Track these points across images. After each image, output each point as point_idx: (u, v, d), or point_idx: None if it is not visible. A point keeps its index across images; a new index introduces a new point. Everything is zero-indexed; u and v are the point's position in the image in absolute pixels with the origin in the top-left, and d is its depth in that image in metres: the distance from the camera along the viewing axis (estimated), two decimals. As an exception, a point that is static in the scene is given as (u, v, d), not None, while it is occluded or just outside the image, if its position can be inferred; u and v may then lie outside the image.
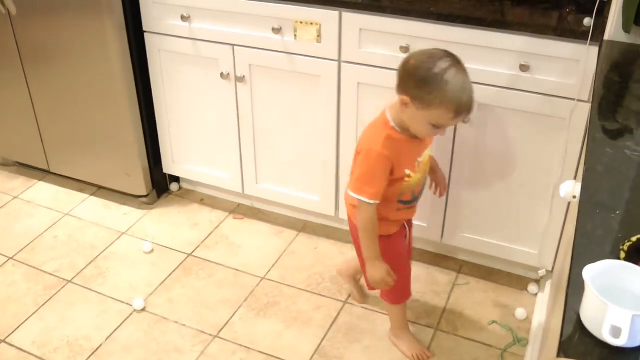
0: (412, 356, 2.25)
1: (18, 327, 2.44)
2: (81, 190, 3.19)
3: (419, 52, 1.86)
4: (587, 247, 1.13)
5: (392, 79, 2.27)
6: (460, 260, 2.68)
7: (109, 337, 2.39)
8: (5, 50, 2.93)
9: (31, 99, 3.02)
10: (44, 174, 3.31)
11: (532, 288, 2.52)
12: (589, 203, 1.24)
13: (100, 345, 2.36)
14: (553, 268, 2.44)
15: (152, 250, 2.67)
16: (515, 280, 2.58)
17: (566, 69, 2.05)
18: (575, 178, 2.16)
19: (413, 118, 1.86)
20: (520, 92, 2.15)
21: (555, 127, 2.16)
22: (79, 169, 3.13)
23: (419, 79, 1.80)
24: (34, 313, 2.50)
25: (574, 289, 1.05)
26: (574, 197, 1.72)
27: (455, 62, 1.81)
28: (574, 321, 1.01)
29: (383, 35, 2.26)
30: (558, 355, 0.96)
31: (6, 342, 2.38)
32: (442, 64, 1.78)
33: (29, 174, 3.33)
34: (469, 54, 2.15)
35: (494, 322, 2.38)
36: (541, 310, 2.39)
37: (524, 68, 2.09)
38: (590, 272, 1.00)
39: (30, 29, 2.81)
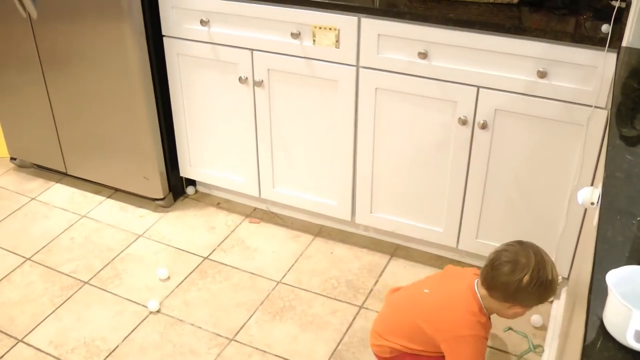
0: None
1: (35, 327, 2.46)
2: (98, 193, 3.21)
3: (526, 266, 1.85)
4: (608, 253, 1.13)
5: (411, 84, 2.30)
6: (475, 267, 2.67)
7: (125, 338, 2.40)
8: (25, 54, 2.96)
9: (50, 101, 3.05)
10: (61, 176, 3.33)
11: (547, 295, 2.51)
12: (609, 209, 1.25)
13: (117, 346, 2.37)
14: (569, 275, 2.44)
15: (168, 278, 2.64)
16: (530, 287, 2.57)
17: (584, 76, 2.05)
18: (592, 184, 2.16)
19: (506, 308, 1.92)
20: (537, 99, 2.15)
21: (572, 134, 2.16)
22: (96, 172, 3.15)
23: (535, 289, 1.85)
24: (51, 313, 2.52)
25: (596, 294, 1.05)
26: (592, 203, 1.72)
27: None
28: (596, 326, 1.02)
29: (401, 41, 2.27)
30: (581, 360, 0.97)
31: (24, 342, 2.40)
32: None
33: (46, 176, 3.36)
34: (486, 59, 2.16)
35: (509, 328, 2.38)
36: (557, 318, 2.39)
37: (541, 74, 2.09)
38: (613, 278, 1.00)
39: (50, 33, 2.84)
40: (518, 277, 1.83)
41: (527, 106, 2.17)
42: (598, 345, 0.98)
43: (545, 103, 2.14)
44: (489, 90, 2.20)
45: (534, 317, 2.41)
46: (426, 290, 2.03)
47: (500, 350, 2.31)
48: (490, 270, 1.88)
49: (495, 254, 1.89)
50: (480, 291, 1.93)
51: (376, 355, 2.12)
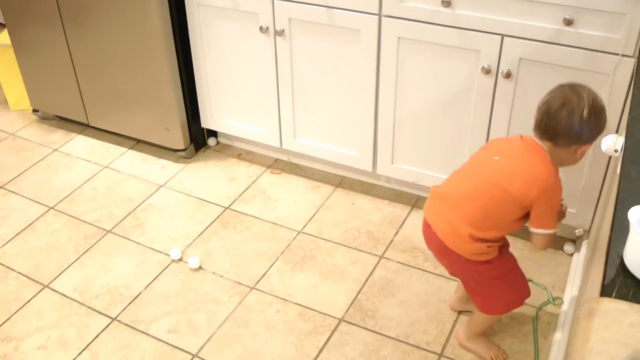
0: (491, 357, 2.15)
1: (60, 274, 2.50)
2: (119, 144, 3.23)
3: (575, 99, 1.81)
4: (631, 193, 1.12)
5: (434, 33, 2.28)
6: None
7: (147, 285, 2.43)
8: (45, 8, 2.96)
9: (70, 54, 3.05)
10: (83, 127, 3.35)
11: (568, 248, 2.51)
12: (633, 149, 1.24)
13: (140, 293, 2.40)
14: (590, 228, 2.42)
15: (200, 267, 2.52)
16: (551, 239, 2.57)
17: (611, 23, 2.01)
18: (617, 132, 2.13)
19: (573, 153, 1.86)
20: (562, 47, 2.11)
21: (598, 83, 2.12)
22: (118, 123, 3.16)
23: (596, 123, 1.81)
24: (75, 261, 2.55)
25: (617, 232, 1.04)
26: (616, 150, 1.70)
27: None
28: (617, 264, 1.01)
29: (424, -11, 2.24)
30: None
31: (49, 288, 2.44)
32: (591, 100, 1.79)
33: (69, 128, 3.38)
34: (511, 7, 2.13)
35: (529, 280, 2.38)
36: (576, 271, 2.38)
37: (567, 22, 2.05)
38: (636, 214, 1.00)
39: (71, -17, 2.83)
40: (578, 116, 1.78)
41: (552, 55, 2.14)
42: (618, 282, 0.98)
43: (570, 52, 2.11)
44: (513, 39, 2.17)
45: (567, 246, 2.46)
46: (496, 158, 1.91)
47: (520, 301, 2.31)
48: (548, 121, 1.81)
49: (546, 105, 1.82)
50: (551, 151, 1.86)
51: (441, 254, 2.00)
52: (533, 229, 1.88)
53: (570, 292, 2.31)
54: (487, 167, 1.90)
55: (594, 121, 1.79)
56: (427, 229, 1.99)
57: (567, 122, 1.79)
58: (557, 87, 1.84)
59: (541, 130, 1.84)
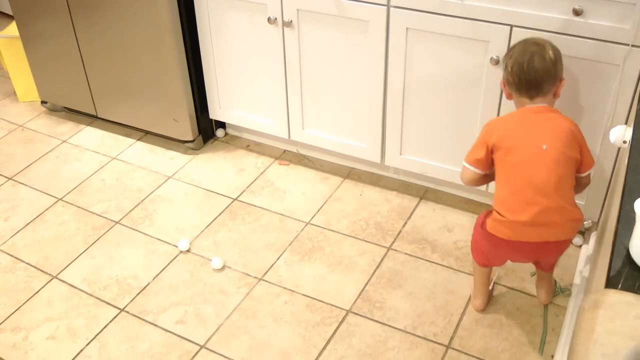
0: None
1: (69, 265, 2.51)
2: (128, 135, 3.23)
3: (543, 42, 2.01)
4: (638, 184, 1.11)
5: (442, 24, 2.26)
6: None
7: (155, 276, 2.44)
8: (53, 0, 2.96)
9: (78, 46, 3.06)
10: (92, 119, 3.35)
11: (576, 240, 2.49)
12: (642, 142, 1.23)
13: (148, 284, 2.41)
14: (599, 220, 2.41)
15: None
16: (560, 230, 2.55)
17: (621, 13, 1.99)
18: (626, 123, 2.12)
19: (554, 97, 2.05)
20: (572, 37, 2.10)
21: (607, 74, 2.11)
22: (126, 115, 3.17)
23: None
24: (83, 252, 2.56)
25: (624, 224, 1.04)
26: (624, 142, 1.69)
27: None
28: (623, 256, 1.01)
29: (433, -21, 2.23)
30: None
31: (58, 278, 2.45)
32: None
33: (77, 119, 3.39)
34: (520, -3, 2.11)
35: (534, 274, 2.37)
36: (585, 262, 2.37)
37: (576, 12, 2.04)
38: (643, 206, 0.99)
39: (79, -25, 2.84)
40: (548, 57, 1.95)
41: (562, 45, 2.11)
42: (624, 274, 0.98)
43: (580, 42, 2.10)
44: (522, 29, 2.16)
45: (576, 239, 2.48)
46: (544, 147, 1.91)
47: (527, 294, 2.30)
48: (528, 76, 1.95)
49: (517, 65, 1.96)
50: (548, 103, 2.00)
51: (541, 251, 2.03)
52: (588, 171, 2.03)
53: (579, 284, 2.30)
54: (545, 157, 1.91)
55: (559, 56, 1.98)
56: (529, 245, 1.98)
57: (543, 66, 1.95)
58: (513, 49, 2.01)
59: (528, 88, 1.97)
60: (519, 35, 2.16)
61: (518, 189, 1.93)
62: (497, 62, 2.24)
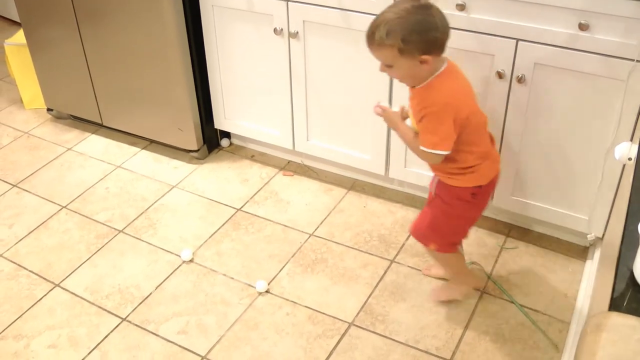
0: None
1: (72, 273, 2.51)
2: (133, 144, 3.23)
3: None
4: (643, 204, 1.11)
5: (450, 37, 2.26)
6: (509, 224, 2.65)
7: (158, 286, 2.43)
8: (60, 7, 2.97)
9: (85, 54, 3.06)
10: (97, 127, 3.36)
11: (590, 236, 2.45)
12: (647, 161, 1.22)
13: (150, 293, 2.41)
14: (604, 235, 2.40)
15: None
16: (564, 246, 2.54)
17: (627, 29, 1.99)
18: (631, 140, 2.11)
19: None
20: (577, 52, 2.10)
21: (612, 89, 2.10)
22: (131, 123, 3.17)
23: None
24: (86, 260, 2.56)
25: (628, 245, 1.03)
26: (629, 159, 1.68)
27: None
28: (626, 277, 1.00)
29: (439, -8, 2.23)
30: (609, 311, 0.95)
31: (60, 287, 2.45)
32: None
33: (82, 127, 3.39)
34: (526, 11, 2.11)
35: (472, 263, 2.36)
36: (589, 279, 2.36)
37: (583, 27, 2.04)
38: (646, 227, 0.98)
39: (86, -15, 2.85)
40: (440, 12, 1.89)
41: (567, 60, 2.12)
42: (627, 296, 0.97)
43: (585, 57, 2.09)
44: (528, 44, 2.16)
45: (589, 236, 2.46)
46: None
47: (531, 309, 2.29)
48: (441, 34, 1.87)
49: (423, 24, 1.84)
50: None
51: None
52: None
53: (583, 299, 2.29)
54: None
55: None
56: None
57: (445, 22, 1.88)
58: (404, 14, 1.83)
59: (444, 44, 1.89)
60: (524, 49, 2.16)
61: (486, 136, 2.06)
62: (502, 76, 2.24)
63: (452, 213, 2.11)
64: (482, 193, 2.08)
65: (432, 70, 1.91)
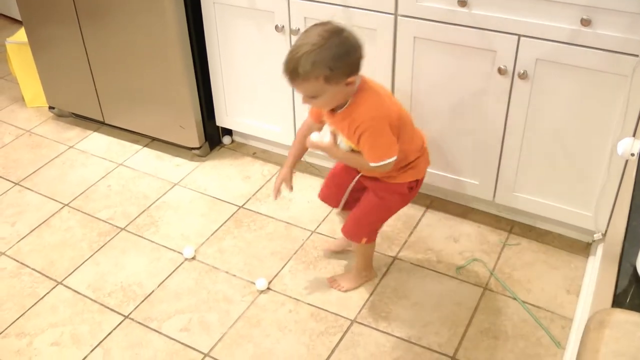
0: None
1: (74, 271, 2.50)
2: (135, 142, 3.23)
3: None
4: (646, 201, 1.10)
5: (450, 33, 2.26)
6: (511, 220, 2.65)
7: (160, 283, 2.43)
8: (61, 6, 2.97)
9: (86, 52, 3.06)
10: (99, 125, 3.36)
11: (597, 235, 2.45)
12: (650, 157, 1.21)
13: (152, 291, 2.40)
14: (606, 231, 2.40)
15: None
16: (567, 242, 2.54)
17: (631, 24, 1.98)
18: (634, 135, 2.11)
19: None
20: (580, 48, 2.09)
21: (616, 85, 2.10)
22: (133, 121, 3.17)
23: None
24: (89, 258, 2.56)
25: (631, 241, 1.03)
26: (632, 154, 1.68)
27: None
28: (629, 274, 1.00)
29: (441, -12, 2.22)
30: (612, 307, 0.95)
31: (63, 284, 2.45)
32: None
33: (84, 125, 3.39)
34: (528, 7, 2.10)
35: (460, 268, 2.36)
36: (591, 275, 2.36)
37: (585, 22, 2.03)
38: (650, 223, 0.98)
39: (87, -17, 2.84)
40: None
41: (569, 56, 2.12)
42: (630, 292, 0.96)
43: (588, 52, 2.08)
44: (530, 39, 2.15)
45: (596, 235, 2.42)
46: None
47: (533, 305, 2.29)
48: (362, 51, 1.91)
49: (353, 50, 1.88)
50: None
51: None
52: None
53: (586, 296, 2.29)
54: None
55: None
56: None
57: (359, 39, 1.91)
58: (323, 42, 1.81)
59: (361, 65, 1.91)
60: (526, 45, 2.15)
61: (416, 130, 2.15)
62: (504, 72, 2.23)
63: (385, 206, 2.20)
64: (417, 186, 2.19)
65: (353, 87, 1.92)
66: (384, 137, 1.94)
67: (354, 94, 1.94)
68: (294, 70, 1.82)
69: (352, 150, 2.04)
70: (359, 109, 1.93)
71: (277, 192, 2.25)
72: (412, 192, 2.18)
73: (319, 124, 2.13)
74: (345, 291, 2.36)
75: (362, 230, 2.22)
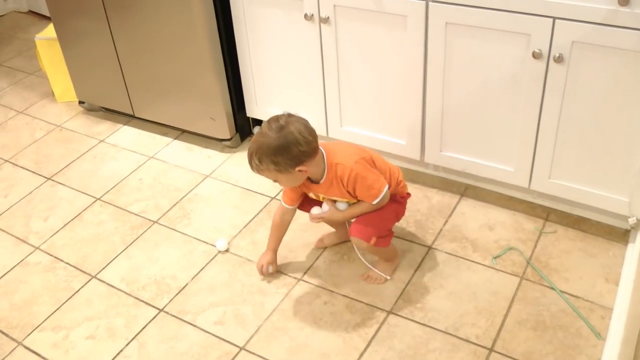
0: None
1: (108, 265, 2.51)
2: (165, 134, 3.23)
3: None
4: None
5: (482, 17, 2.22)
6: (547, 208, 2.60)
7: (194, 276, 2.43)
8: (90, 1, 2.96)
9: (115, 46, 3.06)
10: (129, 118, 3.36)
11: (631, 220, 2.40)
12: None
13: (186, 284, 2.40)
14: (645, 218, 2.35)
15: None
16: (605, 229, 2.49)
17: (670, 3, 1.93)
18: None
19: None
20: (617, 29, 2.03)
21: (656, 67, 2.05)
22: (163, 113, 3.16)
23: None
24: (122, 251, 2.56)
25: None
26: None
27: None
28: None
29: (473, -28, 2.18)
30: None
31: (97, 278, 2.45)
32: None
33: (114, 119, 3.40)
34: (564, -12, 2.06)
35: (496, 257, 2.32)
36: (632, 262, 2.31)
37: (623, 2, 1.97)
38: None
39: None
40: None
41: (607, 37, 2.06)
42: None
43: (626, 33, 2.03)
44: (565, 21, 2.10)
45: (630, 219, 2.38)
46: None
47: (571, 295, 2.24)
48: (314, 135, 2.08)
49: (304, 139, 2.03)
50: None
51: None
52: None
53: (625, 282, 2.24)
54: None
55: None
56: None
57: (305, 132, 2.06)
58: (265, 141, 2.03)
59: (313, 152, 2.08)
60: (561, 27, 2.10)
61: (386, 163, 2.30)
62: (539, 56, 2.18)
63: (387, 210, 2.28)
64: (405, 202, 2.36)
65: (315, 165, 2.11)
66: (368, 176, 2.14)
67: (326, 163, 2.13)
68: (250, 164, 2.09)
69: (351, 204, 2.24)
70: (337, 167, 2.13)
71: (264, 273, 2.41)
72: (403, 200, 2.34)
73: (292, 207, 2.32)
74: (384, 282, 2.34)
75: (371, 229, 2.21)
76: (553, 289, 2.26)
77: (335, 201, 2.24)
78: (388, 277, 2.35)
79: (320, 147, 2.13)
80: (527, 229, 2.52)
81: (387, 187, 2.17)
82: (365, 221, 2.21)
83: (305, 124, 2.06)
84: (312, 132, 2.07)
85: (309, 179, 2.17)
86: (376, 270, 2.36)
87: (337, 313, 2.24)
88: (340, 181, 2.14)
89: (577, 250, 2.41)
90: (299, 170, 2.07)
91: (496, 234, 2.50)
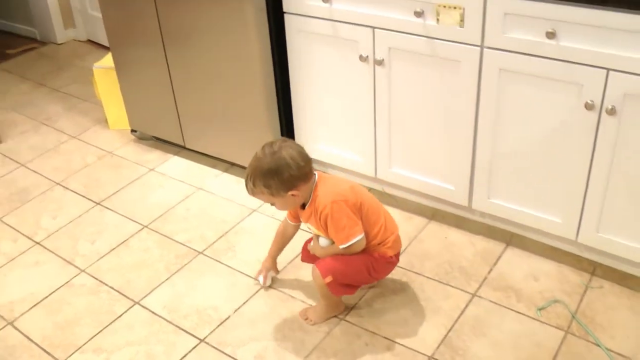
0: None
1: (151, 292, 2.53)
2: (214, 166, 3.27)
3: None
4: None
5: (536, 65, 2.22)
6: (593, 262, 2.56)
7: (236, 310, 2.43)
8: (148, 31, 3.04)
9: (170, 77, 3.12)
10: (179, 149, 3.41)
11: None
12: None
13: (228, 316, 2.40)
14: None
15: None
16: (652, 286, 2.45)
17: None
18: None
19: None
20: (676, 85, 2.02)
21: None
22: (213, 146, 3.20)
23: None
24: (166, 280, 2.58)
25: None
26: None
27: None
28: None
29: (529, 20, 2.18)
30: None
31: (140, 304, 2.47)
32: None
33: (165, 149, 3.45)
34: (618, 39, 2.05)
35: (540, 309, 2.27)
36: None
37: (682, 56, 1.97)
38: None
39: (172, 11, 2.91)
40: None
41: (661, 93, 2.05)
42: None
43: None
44: (619, 73, 2.09)
45: None
46: None
47: (617, 353, 2.20)
48: (308, 160, 2.16)
49: (295, 164, 2.11)
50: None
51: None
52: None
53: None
54: None
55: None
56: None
57: (297, 157, 2.14)
58: (259, 165, 2.15)
59: (306, 177, 2.15)
60: (616, 79, 2.09)
61: (384, 218, 2.29)
62: (591, 107, 2.17)
63: (363, 261, 2.27)
64: (394, 262, 2.34)
65: (308, 191, 2.18)
66: (343, 218, 2.14)
67: (314, 190, 2.18)
68: (246, 186, 2.19)
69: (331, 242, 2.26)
70: (317, 200, 2.17)
71: (265, 280, 2.50)
72: (384, 258, 2.29)
73: (294, 223, 2.41)
74: (313, 324, 2.35)
75: (333, 269, 2.21)
76: (599, 345, 2.22)
77: (319, 236, 2.30)
78: (312, 322, 2.35)
79: (315, 174, 2.19)
80: (573, 281, 2.48)
81: (360, 236, 2.17)
82: (333, 259, 2.23)
83: (299, 149, 2.13)
84: (304, 157, 2.13)
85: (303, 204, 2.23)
86: (315, 311, 2.37)
87: (378, 355, 2.22)
88: (316, 212, 2.18)
89: (624, 307, 2.37)
90: (292, 195, 2.13)
91: (541, 285, 2.46)
